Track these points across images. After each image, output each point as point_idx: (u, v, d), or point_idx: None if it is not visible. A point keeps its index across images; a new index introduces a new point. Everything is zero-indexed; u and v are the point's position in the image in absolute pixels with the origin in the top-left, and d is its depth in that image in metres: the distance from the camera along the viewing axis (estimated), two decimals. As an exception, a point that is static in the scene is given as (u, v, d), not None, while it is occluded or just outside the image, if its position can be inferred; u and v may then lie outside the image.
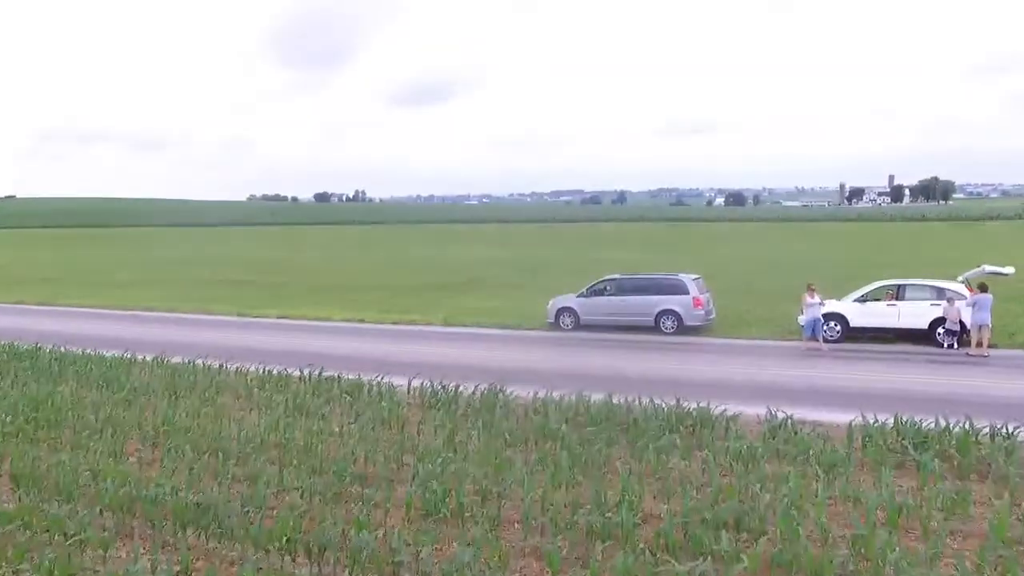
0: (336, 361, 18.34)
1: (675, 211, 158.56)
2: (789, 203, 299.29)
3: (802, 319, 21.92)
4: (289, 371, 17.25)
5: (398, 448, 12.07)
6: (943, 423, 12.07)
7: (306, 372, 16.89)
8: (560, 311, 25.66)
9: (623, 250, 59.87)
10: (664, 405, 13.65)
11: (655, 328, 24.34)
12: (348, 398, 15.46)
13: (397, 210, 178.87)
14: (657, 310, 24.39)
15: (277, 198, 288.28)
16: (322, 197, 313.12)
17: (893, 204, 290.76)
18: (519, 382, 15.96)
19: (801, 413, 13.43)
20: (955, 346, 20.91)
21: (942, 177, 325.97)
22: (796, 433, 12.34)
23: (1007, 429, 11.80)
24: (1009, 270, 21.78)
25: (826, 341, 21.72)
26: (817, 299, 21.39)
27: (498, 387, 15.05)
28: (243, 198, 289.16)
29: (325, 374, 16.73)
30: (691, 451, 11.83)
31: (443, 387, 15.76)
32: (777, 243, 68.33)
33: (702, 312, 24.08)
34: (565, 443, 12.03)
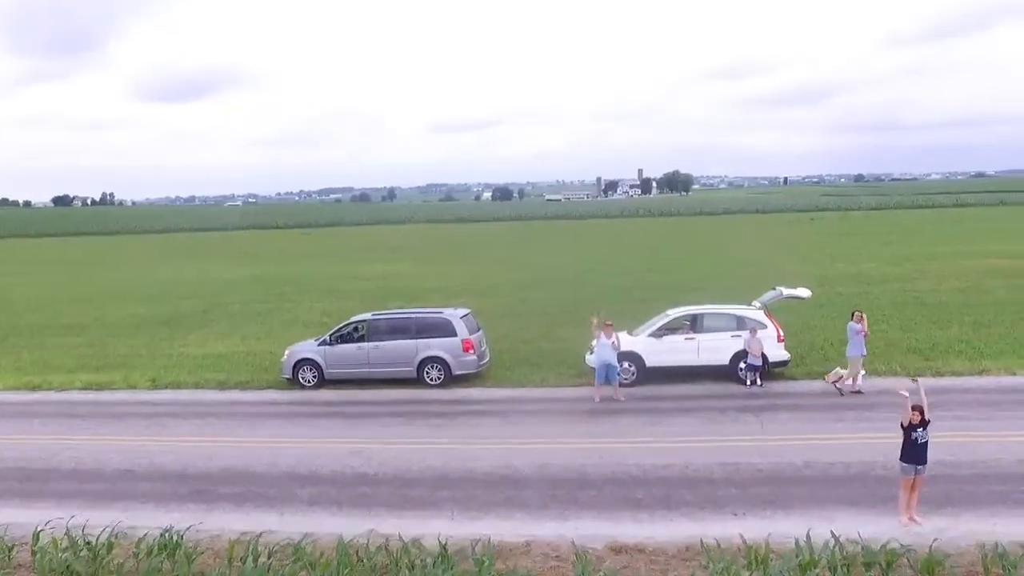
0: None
1: (445, 209, 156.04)
2: (551, 196, 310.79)
3: (592, 360, 18.26)
4: None
5: None
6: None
7: None
8: (298, 364, 20.11)
9: (391, 260, 54.76)
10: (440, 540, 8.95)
11: (419, 380, 19.61)
12: None
13: (146, 215, 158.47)
14: (420, 358, 19.64)
15: (4, 203, 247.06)
16: (62, 201, 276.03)
17: (643, 195, 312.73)
18: (227, 500, 11.02)
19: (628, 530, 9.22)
20: (758, 382, 18.25)
21: (682, 170, 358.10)
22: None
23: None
24: (805, 293, 19.57)
25: (621, 385, 18.23)
26: (613, 339, 17.75)
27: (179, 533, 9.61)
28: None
29: None
30: None
31: (87, 542, 10.13)
32: (549, 245, 66.69)
33: (473, 357, 19.65)
34: None
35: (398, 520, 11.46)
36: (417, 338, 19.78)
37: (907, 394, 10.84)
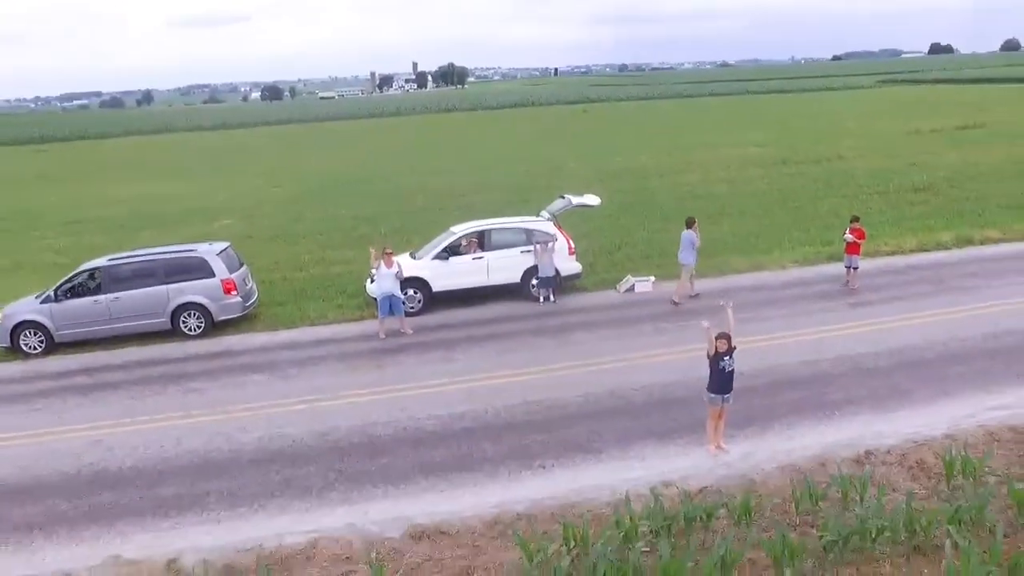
0: None
1: (209, 113, 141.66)
2: (324, 93, 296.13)
3: (374, 290, 16.47)
4: None
5: None
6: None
7: None
8: (18, 328, 16.49)
9: (145, 179, 48.27)
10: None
11: (174, 331, 16.81)
12: None
13: None
14: (173, 306, 16.75)
15: None
16: None
17: (419, 90, 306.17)
18: None
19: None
20: (551, 298, 17.45)
21: (457, 63, 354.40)
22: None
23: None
24: (594, 200, 18.76)
25: (408, 314, 16.67)
26: (394, 267, 15.96)
27: None
28: None
29: None
30: None
31: None
32: (322, 151, 62.40)
33: (238, 299, 17.08)
34: None
35: (150, 536, 9.29)
36: (167, 283, 16.80)
37: (707, 324, 10.17)
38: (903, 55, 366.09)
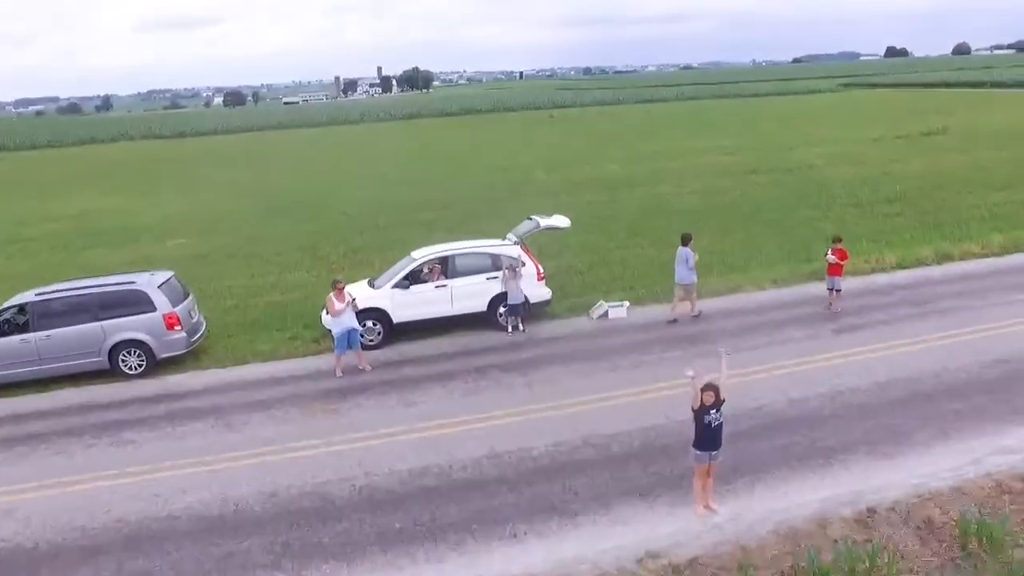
0: None
1: (169, 120, 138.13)
2: (289, 98, 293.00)
3: (329, 323, 15.28)
4: None
5: None
6: None
7: None
8: (-68, 371, 15.08)
9: (97, 192, 46.21)
10: None
11: (114, 371, 15.50)
12: None
13: None
14: (110, 343, 15.43)
15: None
16: None
17: (384, 94, 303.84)
18: None
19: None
20: (520, 327, 16.45)
21: (422, 67, 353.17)
22: None
23: None
24: (564, 222, 17.77)
25: (367, 348, 15.56)
26: (348, 300, 14.82)
27: None
28: None
29: None
30: None
31: None
32: (284, 161, 60.75)
33: (182, 335, 15.79)
34: None
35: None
36: (103, 319, 15.48)
37: (692, 374, 9.20)
38: (861, 57, 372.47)
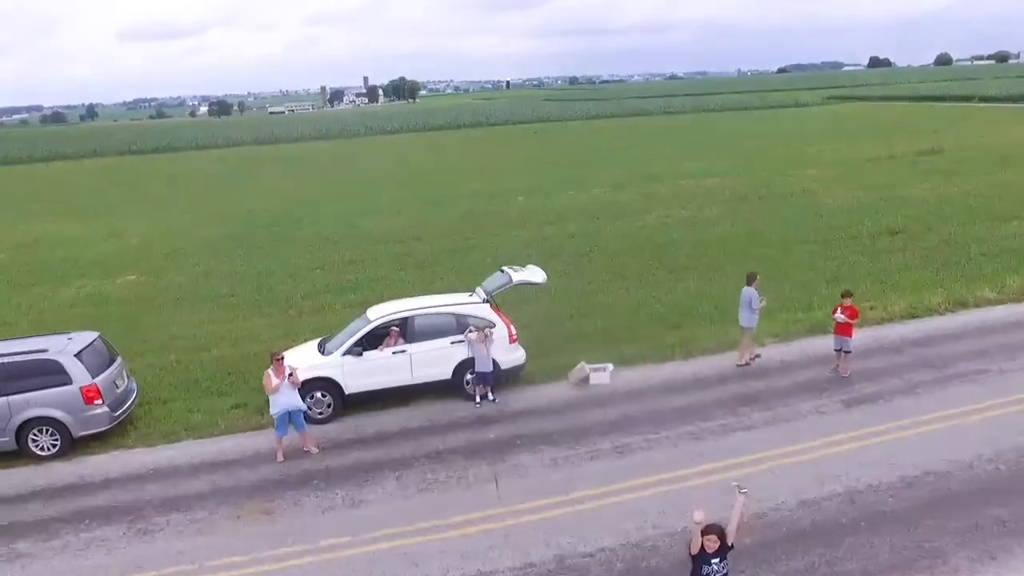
0: None
1: (152, 132, 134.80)
2: (274, 108, 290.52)
3: (271, 400, 13.28)
4: None
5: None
6: None
7: None
8: None
9: (50, 215, 43.80)
10: None
11: (24, 452, 13.48)
12: None
13: None
14: (17, 421, 13.41)
15: None
16: None
17: (370, 104, 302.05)
18: None
19: None
20: (490, 396, 14.55)
21: (408, 76, 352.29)
22: None
23: None
24: (540, 277, 15.85)
25: (317, 421, 13.63)
26: (289, 375, 12.86)
27: None
28: None
29: None
30: None
31: None
32: (258, 181, 58.63)
33: (103, 410, 13.76)
34: None
35: None
36: (8, 393, 13.46)
37: (700, 518, 7.26)
38: (844, 67, 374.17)
